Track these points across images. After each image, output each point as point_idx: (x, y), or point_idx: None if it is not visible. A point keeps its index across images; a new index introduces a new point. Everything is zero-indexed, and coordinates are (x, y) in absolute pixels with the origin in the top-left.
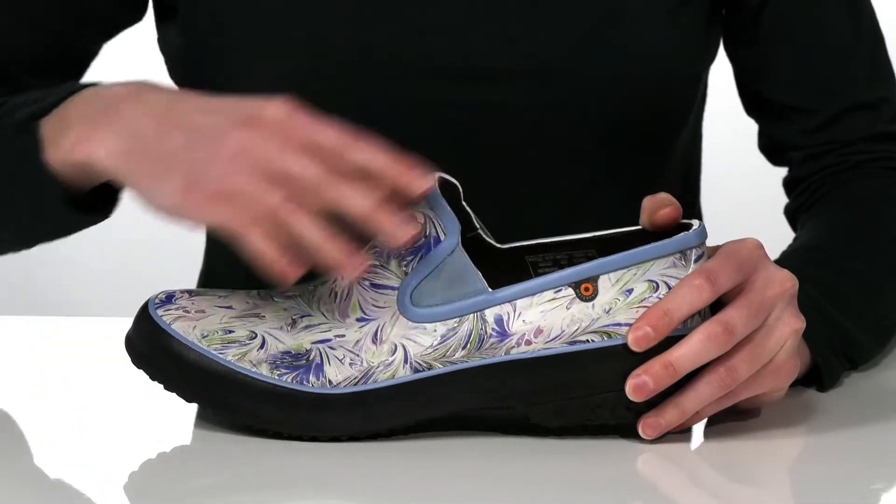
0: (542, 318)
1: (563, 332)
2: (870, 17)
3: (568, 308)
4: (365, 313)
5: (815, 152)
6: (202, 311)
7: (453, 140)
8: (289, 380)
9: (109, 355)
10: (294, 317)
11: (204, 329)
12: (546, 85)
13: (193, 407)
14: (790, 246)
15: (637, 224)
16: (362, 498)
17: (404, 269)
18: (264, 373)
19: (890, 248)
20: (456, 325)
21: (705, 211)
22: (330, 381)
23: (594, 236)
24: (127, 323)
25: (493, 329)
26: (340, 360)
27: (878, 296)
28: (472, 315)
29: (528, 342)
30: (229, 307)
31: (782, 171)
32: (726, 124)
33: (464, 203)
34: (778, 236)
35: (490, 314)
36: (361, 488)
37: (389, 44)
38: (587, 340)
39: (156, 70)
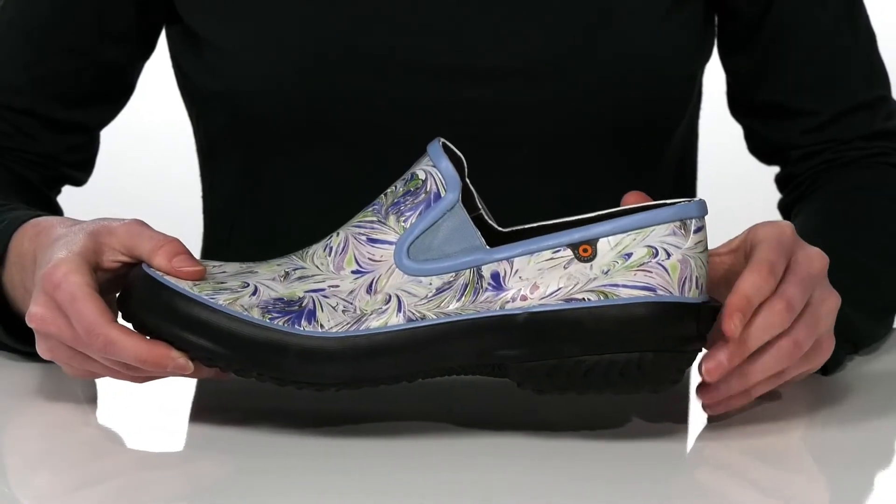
0: (539, 275)
1: (559, 288)
2: (865, 17)
3: (566, 268)
4: (360, 266)
5: (814, 150)
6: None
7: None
8: (280, 323)
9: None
10: (287, 269)
11: (196, 282)
12: (539, 84)
13: (193, 406)
14: None
15: None
16: (361, 497)
17: (403, 224)
18: (256, 316)
19: (882, 235)
20: (452, 279)
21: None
22: (322, 326)
23: (595, 215)
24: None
25: (489, 283)
26: (333, 307)
27: (874, 281)
28: (468, 270)
29: (524, 297)
30: (223, 271)
31: (777, 170)
32: (723, 125)
33: (467, 180)
34: None
35: (487, 270)
36: (360, 488)
37: (382, 43)
38: (584, 299)
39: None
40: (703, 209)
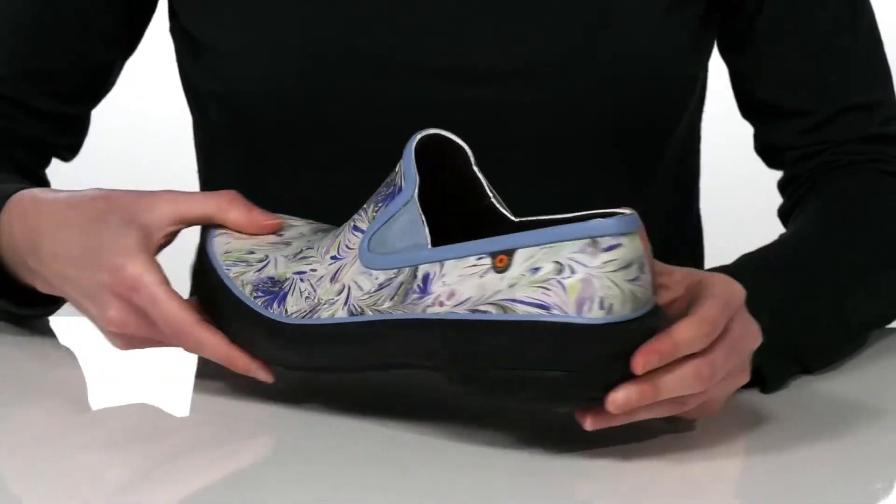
0: (458, 282)
1: (468, 298)
2: (868, 18)
3: (481, 277)
4: (339, 253)
5: (810, 152)
6: (249, 237)
7: None
8: (259, 303)
9: (109, 355)
10: (303, 247)
11: (234, 246)
12: (539, 85)
13: (193, 406)
14: (773, 241)
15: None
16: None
17: (374, 214)
18: (246, 293)
19: (865, 251)
20: (394, 275)
21: (705, 213)
22: (286, 311)
23: (610, 211)
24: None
25: (418, 285)
26: (301, 293)
27: (844, 300)
28: (408, 268)
29: (441, 304)
30: (281, 236)
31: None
32: (726, 126)
33: (475, 168)
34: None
35: (422, 270)
36: (359, 489)
37: (382, 43)
38: (485, 311)
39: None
40: (621, 227)
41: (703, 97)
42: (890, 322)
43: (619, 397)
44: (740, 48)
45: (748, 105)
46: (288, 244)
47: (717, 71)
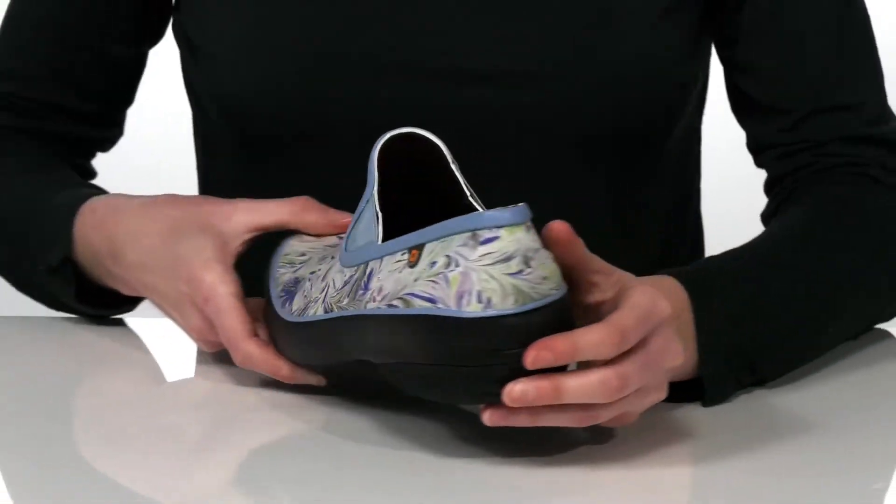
0: (387, 277)
1: (388, 293)
2: (860, 19)
3: (400, 272)
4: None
5: (789, 151)
6: (320, 238)
7: (445, 140)
8: (278, 302)
9: (110, 355)
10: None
11: (294, 248)
12: (537, 86)
13: (192, 406)
14: (744, 245)
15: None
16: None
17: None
18: (276, 292)
19: (841, 265)
20: (353, 272)
21: (705, 213)
22: (291, 311)
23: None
24: (128, 323)
25: (363, 281)
26: (303, 292)
27: (806, 310)
28: (362, 265)
29: (374, 299)
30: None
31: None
32: (727, 127)
33: (452, 167)
34: None
35: (370, 267)
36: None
37: (380, 44)
38: (395, 305)
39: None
40: (498, 219)
41: (703, 97)
42: (856, 335)
43: (515, 390)
44: (727, 45)
45: (735, 101)
46: (335, 245)
47: (718, 71)
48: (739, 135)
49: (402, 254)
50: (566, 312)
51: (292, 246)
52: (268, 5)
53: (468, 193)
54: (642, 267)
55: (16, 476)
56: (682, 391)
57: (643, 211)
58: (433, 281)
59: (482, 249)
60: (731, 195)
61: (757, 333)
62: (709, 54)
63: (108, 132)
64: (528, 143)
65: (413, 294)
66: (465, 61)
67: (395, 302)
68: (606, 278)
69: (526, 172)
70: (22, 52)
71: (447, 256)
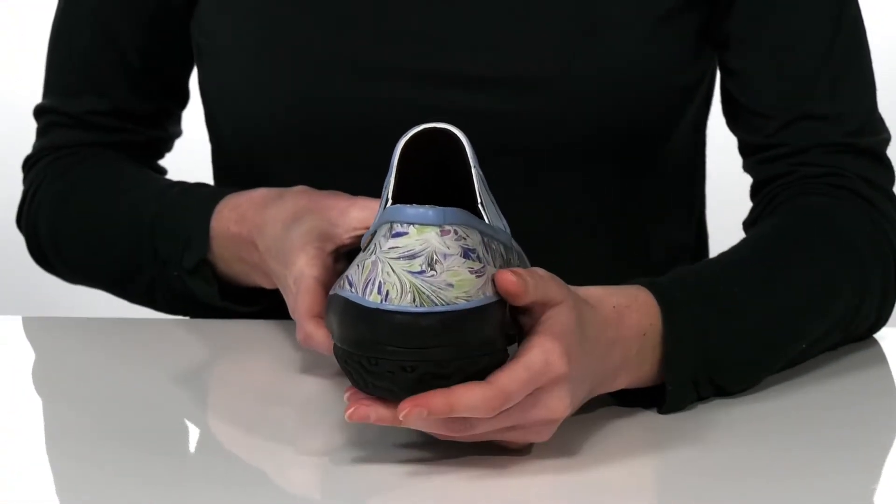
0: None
1: (347, 275)
2: (853, 31)
3: (359, 255)
4: None
5: (770, 156)
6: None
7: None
8: (346, 287)
9: (110, 355)
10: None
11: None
12: (528, 93)
13: (192, 406)
14: (719, 256)
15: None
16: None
17: None
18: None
19: (811, 280)
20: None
21: (710, 215)
22: (351, 286)
23: None
24: (127, 324)
25: None
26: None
27: (783, 329)
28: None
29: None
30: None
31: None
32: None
33: (473, 170)
34: None
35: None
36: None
37: (371, 49)
38: (342, 286)
39: None
40: (412, 216)
41: (708, 102)
42: (823, 351)
43: (414, 407)
44: (719, 49)
45: (725, 105)
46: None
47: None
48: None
49: (365, 238)
50: (468, 325)
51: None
52: (263, 12)
53: (479, 200)
54: (645, 271)
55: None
56: (640, 397)
57: (644, 216)
58: (357, 265)
59: (392, 242)
60: (735, 199)
61: (723, 347)
62: (710, 60)
63: (172, 129)
64: (522, 149)
65: (346, 277)
66: (455, 66)
67: (342, 283)
68: (541, 307)
69: (519, 178)
70: (81, 66)
71: (373, 244)
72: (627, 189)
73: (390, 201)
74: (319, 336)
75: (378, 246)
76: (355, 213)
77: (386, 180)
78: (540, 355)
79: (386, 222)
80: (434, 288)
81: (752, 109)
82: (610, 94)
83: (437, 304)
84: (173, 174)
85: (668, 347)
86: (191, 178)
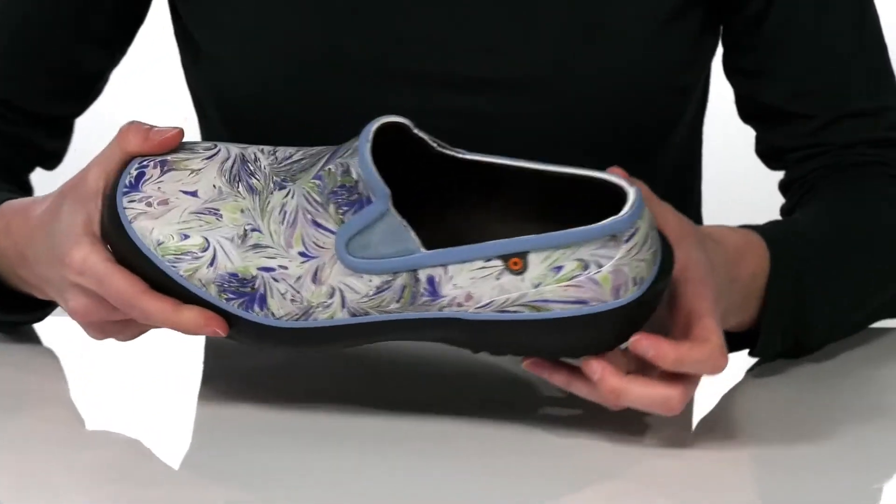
0: (471, 284)
1: (492, 301)
2: (874, 26)
3: (497, 279)
4: (307, 249)
5: (813, 153)
6: (165, 203)
7: None
8: (235, 305)
9: (106, 354)
10: (246, 227)
11: (161, 234)
12: (527, 95)
13: (192, 405)
14: (785, 222)
15: None
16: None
17: (340, 216)
18: (213, 294)
19: (880, 251)
20: (390, 279)
21: (706, 215)
22: (273, 314)
23: (557, 172)
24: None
25: (424, 288)
26: (283, 295)
27: (861, 295)
28: (406, 272)
29: (459, 304)
30: (194, 193)
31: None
32: (729, 128)
33: (416, 131)
34: None
35: (423, 273)
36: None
37: (368, 51)
38: (515, 311)
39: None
40: (635, 217)
41: (704, 101)
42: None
43: (595, 366)
44: (743, 52)
45: (750, 108)
46: (217, 215)
47: (719, 72)
48: (740, 138)
49: (488, 261)
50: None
51: (154, 231)
52: (260, 10)
53: (435, 144)
54: None
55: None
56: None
57: None
58: (574, 286)
59: (627, 246)
60: (732, 196)
61: (816, 308)
62: (710, 58)
63: (56, 143)
64: (520, 151)
65: (545, 301)
66: (453, 68)
67: (514, 309)
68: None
69: None
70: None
71: (580, 260)
72: None
73: (402, 218)
74: (162, 306)
75: (603, 257)
76: (93, 173)
77: (353, 189)
78: (711, 321)
79: (602, 237)
80: (649, 260)
81: (792, 111)
82: (610, 95)
83: (660, 258)
84: None
85: (770, 295)
86: None
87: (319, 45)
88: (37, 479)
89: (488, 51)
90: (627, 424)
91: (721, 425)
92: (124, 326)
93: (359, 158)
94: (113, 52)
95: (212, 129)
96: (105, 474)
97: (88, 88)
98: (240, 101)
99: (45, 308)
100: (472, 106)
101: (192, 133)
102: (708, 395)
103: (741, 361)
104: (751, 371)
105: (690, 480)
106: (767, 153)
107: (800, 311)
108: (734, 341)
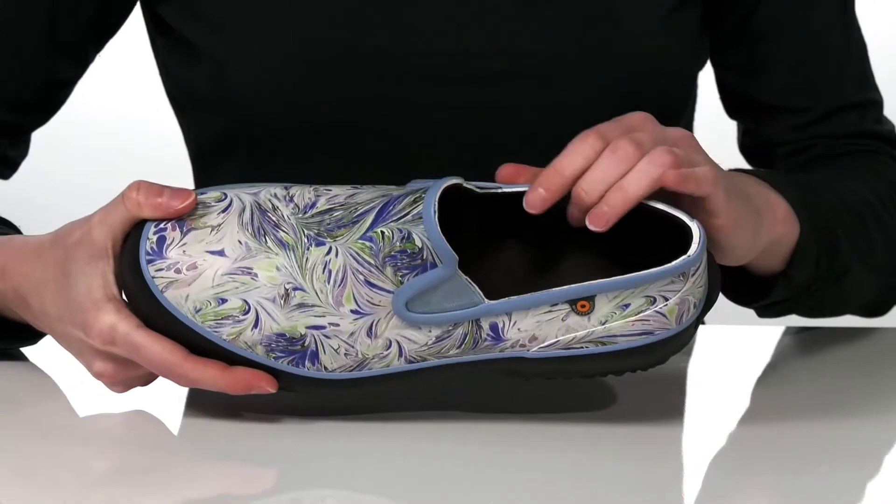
0: (536, 327)
1: (557, 340)
2: (855, 21)
3: (564, 320)
4: (359, 307)
5: (802, 147)
6: (194, 268)
7: (445, 141)
8: (284, 363)
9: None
10: (287, 286)
11: (196, 300)
12: (538, 86)
13: (190, 405)
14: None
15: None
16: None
17: (400, 278)
18: (260, 354)
19: (881, 214)
20: (451, 328)
21: None
22: (325, 368)
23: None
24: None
25: (487, 334)
26: (335, 350)
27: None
28: (468, 322)
29: (523, 346)
30: (221, 252)
31: None
32: (716, 126)
33: (465, 185)
34: None
35: (485, 321)
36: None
37: (381, 43)
38: (581, 347)
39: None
40: (702, 254)
41: (695, 97)
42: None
43: (533, 196)
44: (732, 46)
45: (737, 103)
46: (252, 275)
47: (709, 71)
48: (726, 136)
49: (554, 305)
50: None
51: (189, 297)
52: (267, 8)
53: (478, 189)
54: None
55: None
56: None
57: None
58: (641, 320)
59: (693, 278)
60: None
61: (836, 243)
62: (708, 51)
63: (14, 152)
64: (530, 143)
65: (613, 336)
66: (465, 60)
67: (579, 345)
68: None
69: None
70: None
71: (648, 297)
72: None
73: (462, 277)
74: (211, 372)
75: (671, 291)
76: (100, 232)
77: (415, 254)
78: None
79: (671, 275)
80: (705, 284)
81: (783, 104)
82: (623, 84)
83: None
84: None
85: (803, 215)
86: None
87: (328, 40)
88: (37, 478)
89: (501, 42)
90: (628, 422)
91: (721, 425)
92: (149, 377)
93: (426, 228)
94: (82, 61)
95: (209, 137)
96: (103, 470)
97: (53, 98)
98: (248, 99)
99: (44, 335)
100: (485, 97)
101: (171, 136)
102: (708, 394)
103: (741, 361)
104: (751, 370)
105: (690, 480)
106: (753, 148)
107: (830, 237)
108: (758, 289)
